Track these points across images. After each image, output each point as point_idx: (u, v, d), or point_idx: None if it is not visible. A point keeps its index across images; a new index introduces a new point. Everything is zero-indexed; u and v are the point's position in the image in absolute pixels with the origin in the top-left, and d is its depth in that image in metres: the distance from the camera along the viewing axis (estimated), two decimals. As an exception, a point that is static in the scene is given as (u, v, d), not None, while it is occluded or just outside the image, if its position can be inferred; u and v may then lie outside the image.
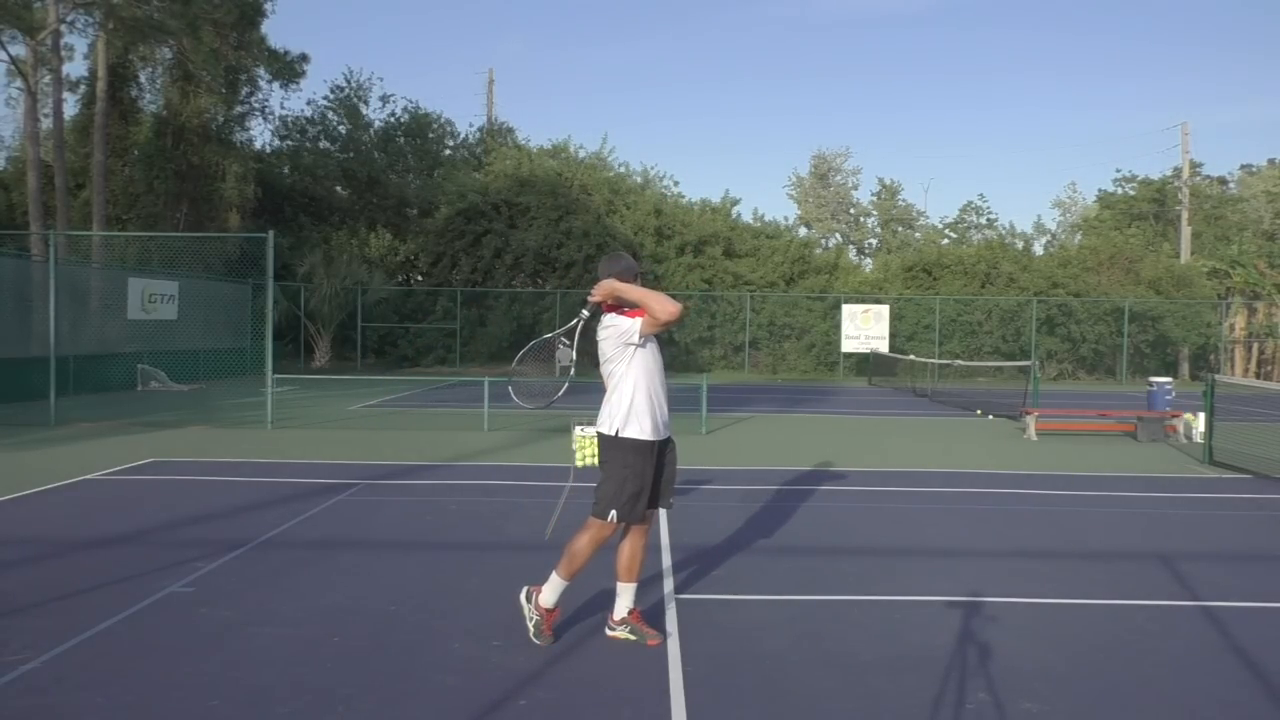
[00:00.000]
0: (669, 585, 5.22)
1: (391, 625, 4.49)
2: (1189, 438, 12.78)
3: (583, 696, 3.69)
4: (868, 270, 35.85)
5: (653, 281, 29.97)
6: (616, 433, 4.17)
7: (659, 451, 4.26)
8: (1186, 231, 38.19)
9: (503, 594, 4.96)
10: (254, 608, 4.72)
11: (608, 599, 4.51)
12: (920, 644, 4.33)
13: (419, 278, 32.92)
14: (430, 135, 37.58)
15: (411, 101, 43.20)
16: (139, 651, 4.08)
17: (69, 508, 7.20)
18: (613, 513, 4.14)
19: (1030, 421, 13.04)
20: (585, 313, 4.26)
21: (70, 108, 27.60)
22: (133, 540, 6.12)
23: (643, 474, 4.17)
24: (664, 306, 4.05)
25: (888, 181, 49.98)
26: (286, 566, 5.54)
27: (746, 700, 3.67)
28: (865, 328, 29.26)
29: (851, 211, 51.05)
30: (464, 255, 30.55)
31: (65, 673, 3.82)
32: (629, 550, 4.31)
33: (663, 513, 7.18)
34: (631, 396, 4.16)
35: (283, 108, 45.98)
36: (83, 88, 28.02)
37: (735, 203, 33.51)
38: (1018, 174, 79.00)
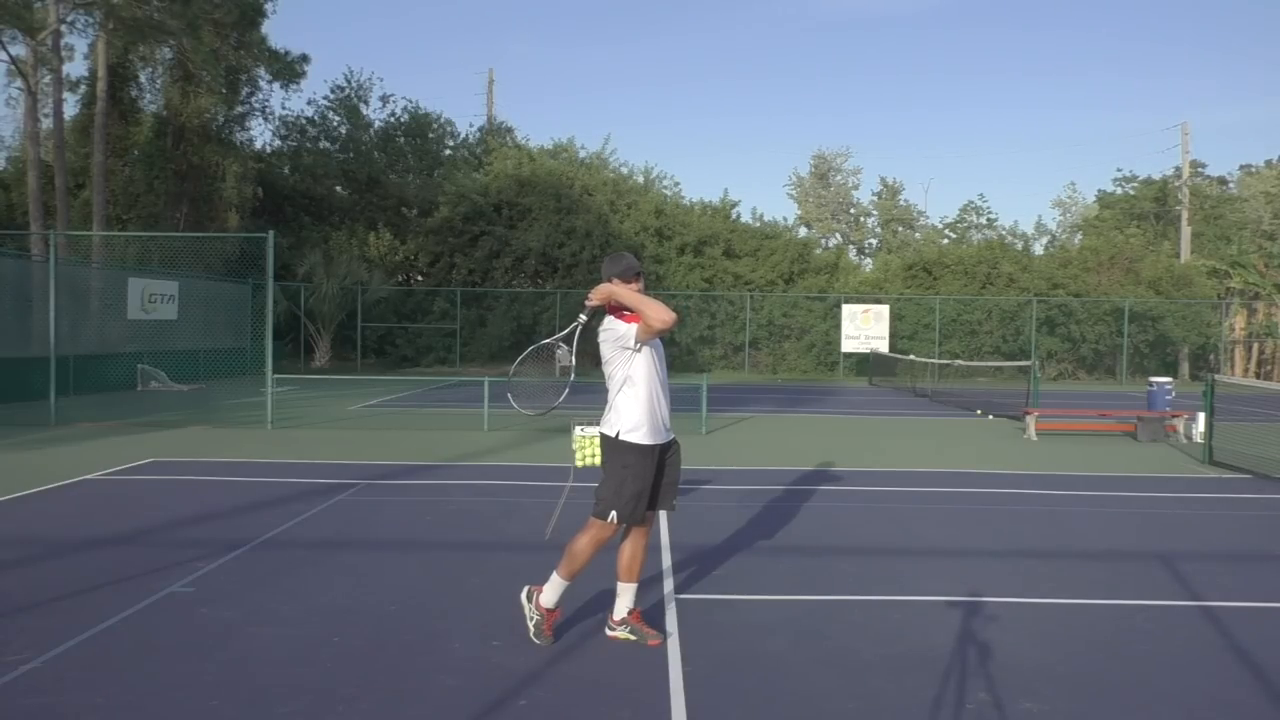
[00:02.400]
0: (669, 585, 5.23)
1: (391, 625, 4.49)
2: (1189, 438, 12.78)
3: (583, 696, 3.69)
4: (868, 270, 35.86)
5: (654, 281, 30.02)
6: (617, 435, 4.18)
7: (661, 453, 4.26)
8: (1186, 231, 38.19)
9: (503, 594, 4.96)
10: (254, 608, 4.72)
11: (608, 599, 4.51)
12: (920, 644, 4.33)
13: (419, 278, 32.93)
14: (430, 135, 37.58)
15: (411, 101, 43.19)
16: (139, 651, 4.08)
17: (69, 508, 7.20)
18: (613, 513, 4.15)
19: (1030, 421, 13.04)
20: (583, 317, 4.26)
21: (70, 108, 27.61)
22: (133, 540, 6.12)
23: (642, 475, 4.17)
24: (658, 314, 4.05)
25: (888, 181, 50.02)
26: (286, 566, 5.54)
27: (746, 700, 3.67)
28: (865, 328, 29.25)
29: (852, 211, 51.05)
30: (463, 255, 30.57)
31: (65, 673, 3.82)
32: (629, 551, 4.32)
33: (663, 513, 7.19)
34: (630, 400, 4.18)
35: (283, 108, 45.93)
36: (83, 88, 28.00)
37: (735, 204, 33.60)
38: (1018, 174, 79.05)
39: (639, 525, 4.30)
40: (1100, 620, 4.76)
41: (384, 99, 37.27)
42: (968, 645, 4.31)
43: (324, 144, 35.75)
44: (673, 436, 4.37)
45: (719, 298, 30.42)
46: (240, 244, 24.23)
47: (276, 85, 30.95)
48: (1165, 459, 10.97)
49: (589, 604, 4.78)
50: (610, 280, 4.17)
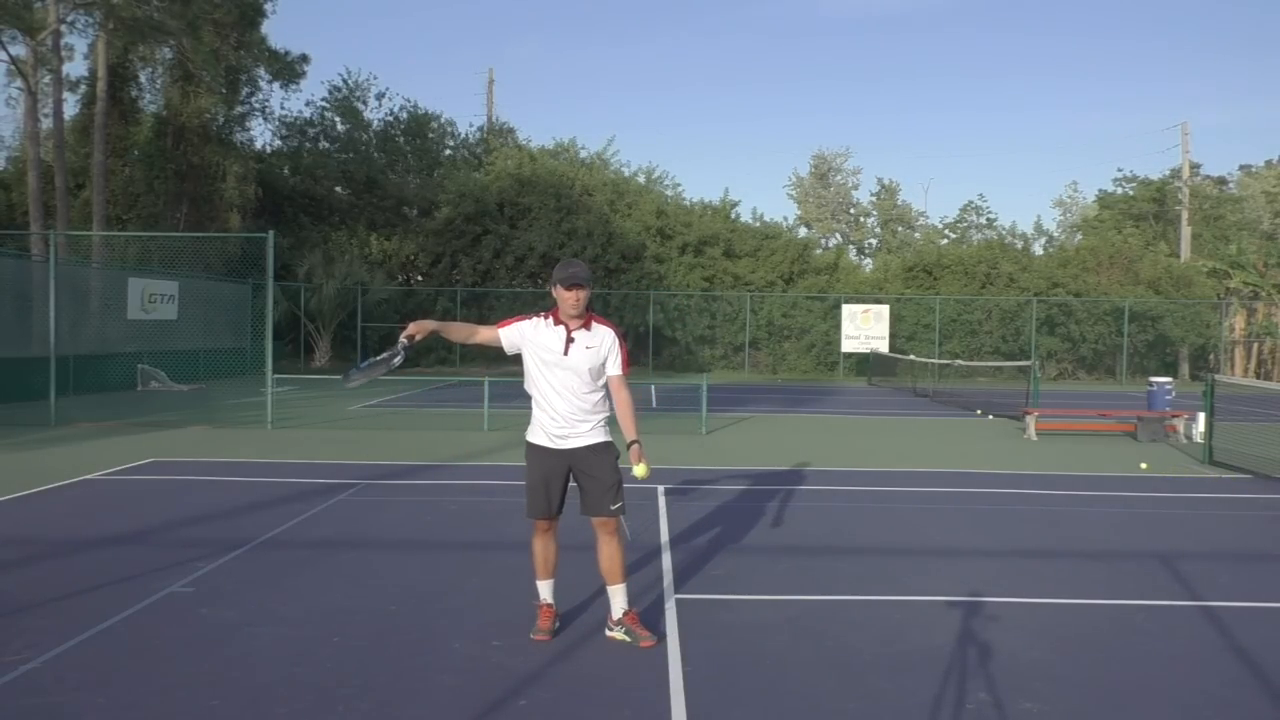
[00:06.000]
0: (669, 585, 5.23)
1: (391, 625, 4.49)
2: (1189, 438, 12.78)
3: (583, 696, 3.69)
4: (868, 270, 35.86)
5: (655, 281, 30.12)
6: (526, 434, 4.45)
7: (572, 458, 4.28)
8: (1186, 231, 38.19)
9: (503, 594, 4.97)
10: (254, 608, 4.72)
11: (608, 599, 4.51)
12: (920, 644, 4.33)
13: (419, 278, 32.93)
14: (430, 135, 37.56)
15: (410, 101, 43.15)
16: (139, 651, 4.08)
17: (69, 508, 7.20)
18: (526, 507, 4.39)
19: (1030, 421, 13.04)
20: (400, 352, 4.21)
21: (70, 108, 27.59)
22: (133, 540, 6.12)
23: (533, 472, 4.34)
24: (458, 335, 4.43)
25: (887, 181, 49.99)
26: (286, 566, 5.54)
27: (746, 700, 3.67)
28: (865, 328, 29.26)
29: (851, 211, 51.02)
30: (464, 256, 30.59)
31: (65, 673, 3.82)
32: (601, 554, 4.34)
33: (662, 513, 7.19)
34: (531, 405, 4.40)
35: (283, 108, 45.91)
36: (83, 88, 27.99)
37: (735, 204, 33.66)
38: (1018, 174, 79.00)
39: (599, 527, 4.31)
40: (1100, 620, 4.76)
41: (380, 96, 37.28)
42: (968, 645, 4.31)
43: (323, 144, 35.75)
44: (587, 443, 4.29)
45: (719, 298, 30.44)
46: (240, 244, 24.24)
47: (276, 85, 31.01)
48: (1165, 459, 10.97)
49: (589, 604, 4.79)
50: (554, 284, 4.24)
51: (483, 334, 4.39)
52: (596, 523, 4.31)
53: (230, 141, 29.81)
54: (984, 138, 79.12)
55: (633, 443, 4.25)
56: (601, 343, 4.28)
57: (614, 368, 4.32)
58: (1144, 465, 10.10)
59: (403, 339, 4.14)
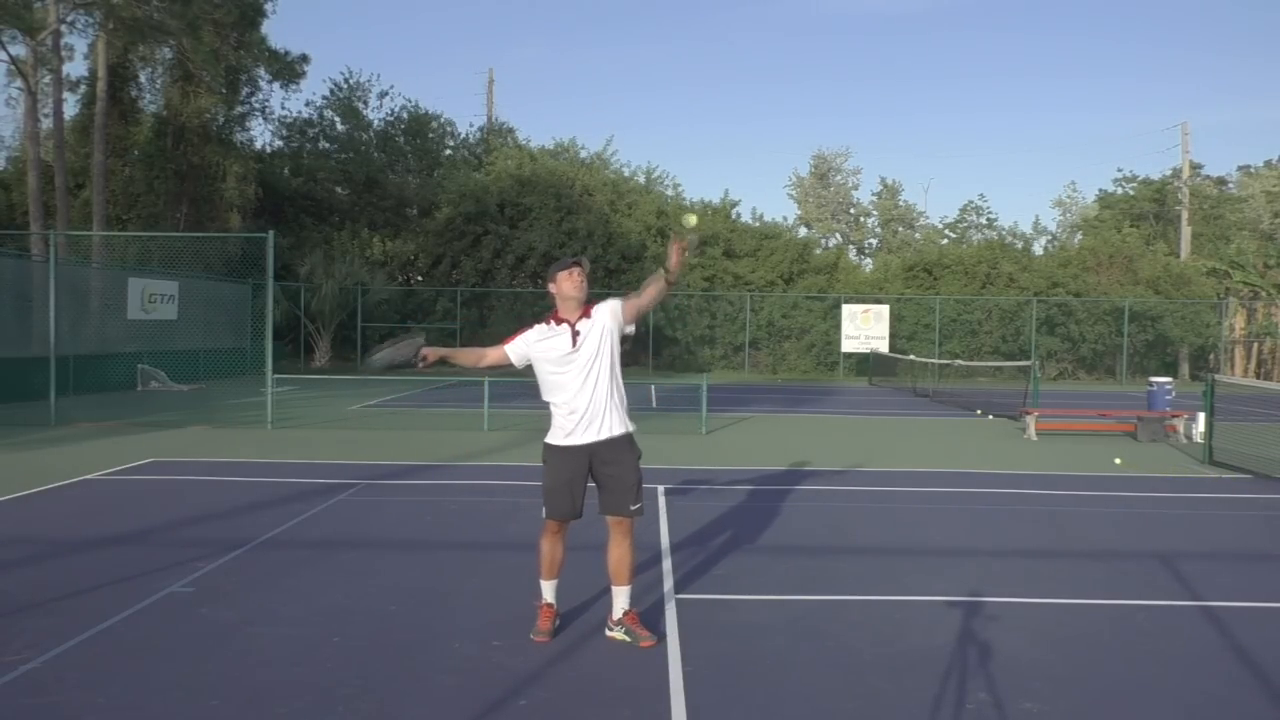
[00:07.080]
0: (669, 585, 5.22)
1: (391, 625, 4.49)
2: (1189, 438, 12.78)
3: (583, 696, 3.69)
4: (868, 270, 35.86)
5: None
6: (546, 438, 4.42)
7: (592, 456, 4.26)
8: (1186, 231, 38.19)
9: (503, 594, 4.97)
10: (254, 608, 4.72)
11: (609, 600, 4.51)
12: (920, 644, 4.33)
13: (419, 278, 32.93)
14: (430, 135, 37.56)
15: (410, 101, 43.18)
16: (139, 651, 4.08)
17: (69, 508, 7.20)
18: (544, 509, 4.32)
19: (1030, 421, 13.04)
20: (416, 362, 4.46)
21: (70, 108, 27.59)
22: (133, 540, 6.13)
23: (555, 474, 4.29)
24: (467, 360, 4.55)
25: (888, 181, 49.98)
26: (286, 566, 5.54)
27: (746, 700, 3.67)
28: (865, 328, 29.26)
29: (851, 211, 50.98)
30: (465, 256, 30.59)
31: (65, 673, 3.82)
32: (612, 554, 4.33)
33: (662, 513, 7.19)
34: (549, 404, 4.38)
35: (283, 108, 45.94)
36: (83, 88, 27.99)
37: (735, 204, 33.67)
38: (1018, 174, 78.92)
39: (614, 525, 4.29)
40: (1100, 620, 4.76)
41: (381, 95, 37.24)
42: (968, 645, 4.31)
43: (323, 144, 35.75)
44: (609, 435, 4.26)
45: (719, 298, 30.46)
46: (240, 244, 24.23)
47: (276, 85, 31.01)
48: (1165, 459, 10.97)
49: (588, 604, 4.79)
50: (553, 278, 4.35)
51: (491, 356, 4.42)
52: (613, 522, 4.29)
53: (230, 141, 29.81)
54: (984, 138, 79.11)
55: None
56: (600, 314, 4.32)
57: (618, 303, 4.36)
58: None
59: (420, 353, 4.27)
